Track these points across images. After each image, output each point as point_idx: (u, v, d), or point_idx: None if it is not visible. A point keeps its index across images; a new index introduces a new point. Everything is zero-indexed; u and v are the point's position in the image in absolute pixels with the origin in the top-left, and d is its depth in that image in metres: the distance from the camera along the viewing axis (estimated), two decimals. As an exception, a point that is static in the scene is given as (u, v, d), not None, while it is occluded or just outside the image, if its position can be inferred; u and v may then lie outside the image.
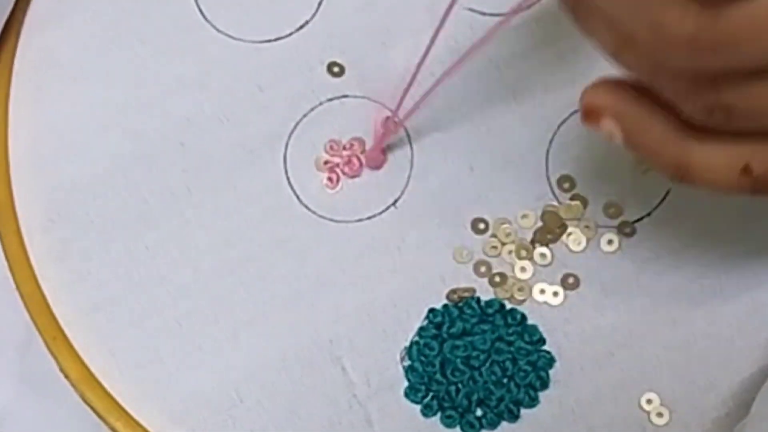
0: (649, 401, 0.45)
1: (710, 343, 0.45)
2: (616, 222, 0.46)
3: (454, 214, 0.47)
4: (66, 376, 0.45)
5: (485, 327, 0.45)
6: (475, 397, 0.45)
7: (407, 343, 0.45)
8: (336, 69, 0.48)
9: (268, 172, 0.48)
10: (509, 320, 0.45)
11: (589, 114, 0.38)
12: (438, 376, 0.45)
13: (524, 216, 0.46)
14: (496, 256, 0.46)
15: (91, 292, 0.46)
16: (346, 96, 0.48)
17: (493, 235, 0.46)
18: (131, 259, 0.47)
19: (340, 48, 0.49)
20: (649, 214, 0.46)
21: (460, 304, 0.46)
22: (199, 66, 0.49)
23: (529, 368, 0.45)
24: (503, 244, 0.46)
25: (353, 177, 0.47)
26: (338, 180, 0.47)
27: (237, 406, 0.45)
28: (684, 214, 0.46)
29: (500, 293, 0.46)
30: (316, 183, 0.47)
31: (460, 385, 0.45)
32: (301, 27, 0.49)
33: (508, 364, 0.45)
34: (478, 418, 0.45)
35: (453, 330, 0.45)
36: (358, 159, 0.48)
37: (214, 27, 0.49)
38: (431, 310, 0.46)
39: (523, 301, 0.46)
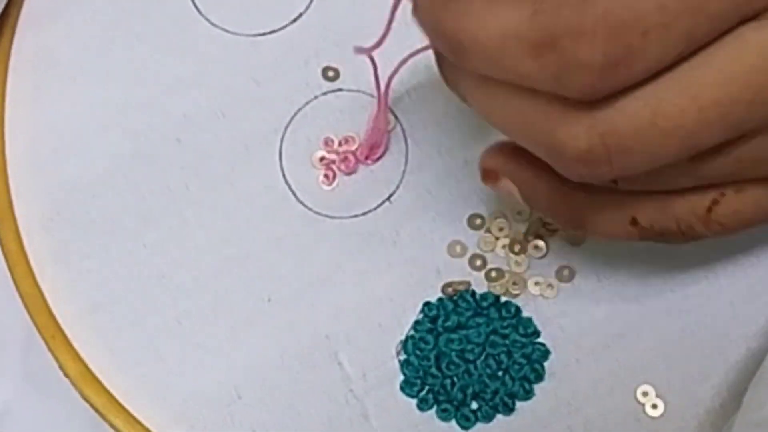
0: (644, 393, 0.45)
1: (705, 334, 0.45)
2: (610, 214, 0.46)
3: (449, 208, 0.47)
4: (66, 375, 0.45)
5: (480, 320, 0.46)
6: (470, 391, 0.45)
7: (403, 337, 0.46)
8: (331, 73, 0.48)
9: (265, 169, 0.48)
10: (504, 313, 0.46)
11: (487, 176, 0.41)
12: (433, 370, 0.45)
13: (519, 209, 0.46)
14: (490, 250, 0.46)
15: (90, 291, 0.47)
16: (340, 90, 0.48)
17: (488, 230, 0.46)
18: (130, 258, 0.47)
19: (334, 40, 0.49)
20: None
21: (455, 298, 0.46)
22: (195, 61, 0.49)
23: (524, 361, 0.45)
24: (497, 238, 0.46)
25: (349, 174, 0.47)
26: (334, 177, 0.48)
27: (236, 402, 0.45)
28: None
29: (495, 287, 0.46)
30: (312, 180, 0.48)
31: (455, 379, 0.45)
32: (296, 19, 0.49)
33: (503, 357, 0.45)
34: (474, 411, 0.45)
35: (448, 323, 0.45)
36: (354, 155, 0.48)
37: (208, 21, 0.49)
38: (426, 304, 0.46)
39: (518, 294, 0.46)
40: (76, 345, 0.46)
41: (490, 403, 0.45)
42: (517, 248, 0.46)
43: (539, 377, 0.45)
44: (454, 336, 0.45)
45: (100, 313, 0.47)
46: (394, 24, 0.41)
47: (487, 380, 0.45)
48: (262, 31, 0.49)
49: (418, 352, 0.45)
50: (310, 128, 0.48)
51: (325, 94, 0.48)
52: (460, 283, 0.46)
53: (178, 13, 0.50)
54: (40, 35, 0.49)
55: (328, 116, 0.48)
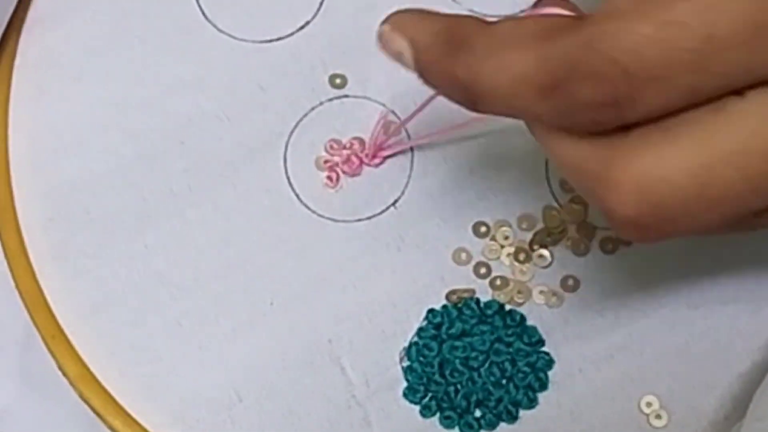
0: (648, 404, 0.45)
1: (709, 345, 0.45)
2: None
3: (453, 215, 0.47)
4: (65, 375, 0.45)
5: (484, 328, 0.45)
6: (473, 398, 0.45)
7: (406, 344, 0.46)
8: (338, 80, 0.48)
9: (269, 172, 0.48)
10: (508, 321, 0.45)
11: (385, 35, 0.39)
12: (437, 377, 0.45)
13: (524, 218, 0.46)
14: (495, 258, 0.46)
15: (90, 291, 0.46)
16: (346, 96, 0.48)
17: (493, 239, 0.46)
18: (131, 258, 0.47)
19: (341, 48, 0.49)
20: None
21: (459, 305, 0.46)
22: (199, 65, 0.49)
23: (528, 369, 0.45)
24: (502, 246, 0.46)
25: (353, 176, 0.47)
26: (338, 179, 0.47)
27: (236, 405, 0.45)
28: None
29: (500, 296, 0.46)
30: (317, 183, 0.47)
31: (458, 386, 0.45)
32: (302, 27, 0.49)
33: (507, 365, 0.45)
34: (477, 419, 0.45)
35: (452, 331, 0.45)
36: (358, 158, 0.48)
37: (215, 26, 0.49)
38: (430, 311, 0.46)
39: (523, 303, 0.46)
40: (75, 345, 0.45)
41: (494, 411, 0.45)
42: (522, 257, 0.46)
43: (543, 386, 0.45)
44: (458, 343, 0.45)
45: (100, 314, 0.46)
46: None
47: (490, 388, 0.45)
48: (268, 38, 0.49)
49: (421, 359, 0.45)
50: (315, 133, 0.48)
51: (330, 100, 0.48)
52: (465, 290, 0.46)
53: (183, 18, 0.50)
54: (46, 36, 0.49)
55: (334, 122, 0.48)
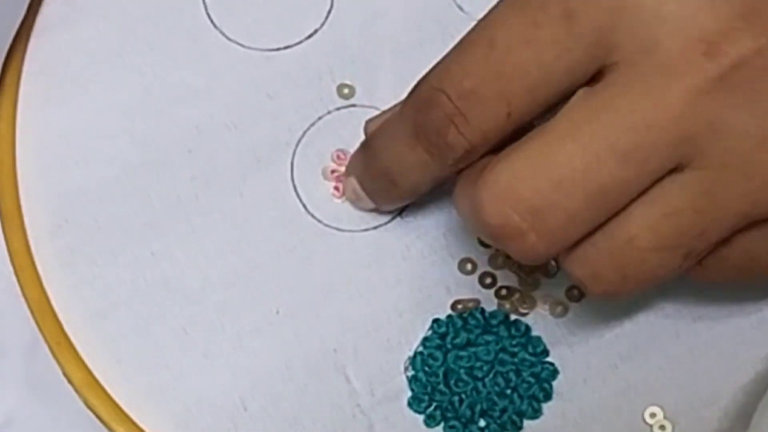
0: (652, 415, 0.45)
1: (714, 356, 0.45)
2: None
3: (460, 225, 0.47)
4: (70, 381, 0.45)
5: (489, 338, 0.45)
6: (478, 408, 0.45)
7: (411, 353, 0.46)
8: (346, 90, 0.49)
9: (276, 181, 0.48)
10: (513, 331, 0.46)
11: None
12: (441, 387, 0.45)
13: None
14: (501, 268, 0.46)
15: (97, 297, 0.46)
16: (354, 105, 0.49)
17: (499, 249, 0.46)
18: (138, 265, 0.47)
19: (349, 57, 0.49)
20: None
21: (465, 315, 0.46)
22: (208, 73, 0.49)
23: (532, 380, 0.45)
24: (508, 256, 0.46)
25: (360, 186, 0.48)
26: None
27: (241, 413, 0.45)
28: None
29: (505, 306, 0.46)
30: (323, 192, 0.47)
31: (463, 396, 0.45)
32: (311, 36, 0.50)
33: (511, 375, 0.45)
34: (481, 429, 0.45)
35: (457, 340, 0.45)
36: (365, 168, 0.48)
37: (223, 34, 0.50)
38: (435, 321, 0.46)
39: (528, 313, 0.46)
40: (81, 352, 0.45)
41: (498, 421, 0.45)
42: (527, 267, 0.46)
43: (547, 396, 0.45)
44: (463, 353, 0.45)
45: (106, 320, 0.46)
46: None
47: (495, 398, 0.45)
48: (276, 46, 0.49)
49: (426, 369, 0.45)
50: (322, 142, 0.48)
51: (338, 109, 0.48)
52: (470, 300, 0.46)
53: (192, 25, 0.50)
54: (54, 43, 0.49)
55: (342, 131, 0.48)
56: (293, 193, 0.47)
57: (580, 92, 0.37)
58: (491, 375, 0.45)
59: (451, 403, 0.45)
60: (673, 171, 0.37)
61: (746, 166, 0.37)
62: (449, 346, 0.45)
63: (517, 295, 0.46)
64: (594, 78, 0.37)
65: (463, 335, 0.45)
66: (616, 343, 0.45)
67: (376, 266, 0.47)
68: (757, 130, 0.36)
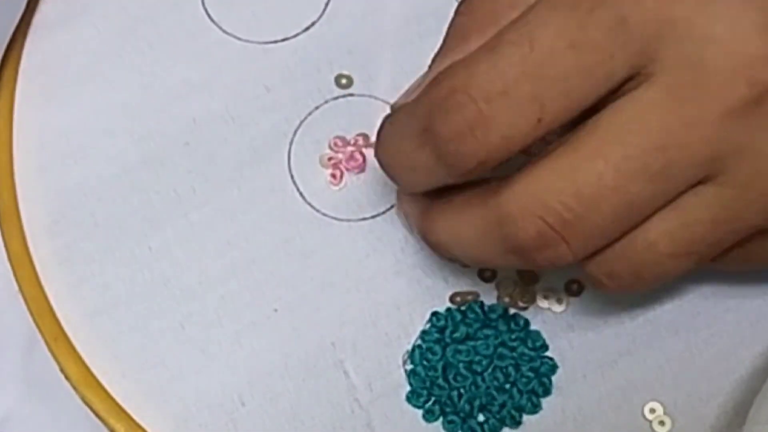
0: (652, 410, 0.44)
1: (712, 353, 0.45)
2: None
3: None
4: (67, 378, 0.45)
5: (488, 332, 0.45)
6: (477, 403, 0.45)
7: (410, 347, 0.45)
8: (344, 81, 0.48)
9: (273, 173, 0.48)
10: (512, 326, 0.45)
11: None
12: (440, 381, 0.45)
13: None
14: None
15: (95, 295, 0.46)
16: (352, 95, 0.48)
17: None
18: (135, 262, 0.47)
19: (347, 49, 0.49)
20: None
21: (464, 308, 0.46)
22: (205, 67, 0.49)
23: (531, 374, 0.45)
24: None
25: (357, 172, 0.47)
26: (342, 176, 0.47)
27: (239, 409, 0.45)
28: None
29: (504, 300, 0.46)
30: (321, 181, 0.47)
31: (462, 390, 0.45)
32: (308, 28, 0.49)
33: (510, 369, 0.45)
34: (480, 424, 0.44)
35: (456, 335, 0.45)
36: (362, 154, 0.48)
37: (220, 28, 0.49)
38: (434, 314, 0.46)
39: (527, 307, 0.46)
40: (78, 348, 0.45)
41: (497, 416, 0.44)
42: (526, 261, 0.46)
43: (547, 391, 0.45)
44: (461, 347, 0.45)
45: (104, 317, 0.46)
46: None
47: (494, 393, 0.45)
48: (273, 39, 0.49)
49: (425, 363, 0.45)
50: (319, 131, 0.48)
51: (335, 98, 0.48)
52: (468, 293, 0.46)
53: (189, 20, 0.50)
54: (51, 40, 0.49)
55: (339, 119, 0.48)
56: (291, 184, 0.47)
57: (609, 107, 0.37)
58: (490, 369, 0.45)
59: (450, 397, 0.45)
60: (695, 184, 0.37)
61: (767, 186, 0.37)
62: (448, 340, 0.45)
63: (516, 289, 0.46)
64: (623, 83, 0.37)
65: (462, 329, 0.45)
66: (616, 338, 0.45)
67: (374, 257, 0.47)
68: None
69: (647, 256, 0.38)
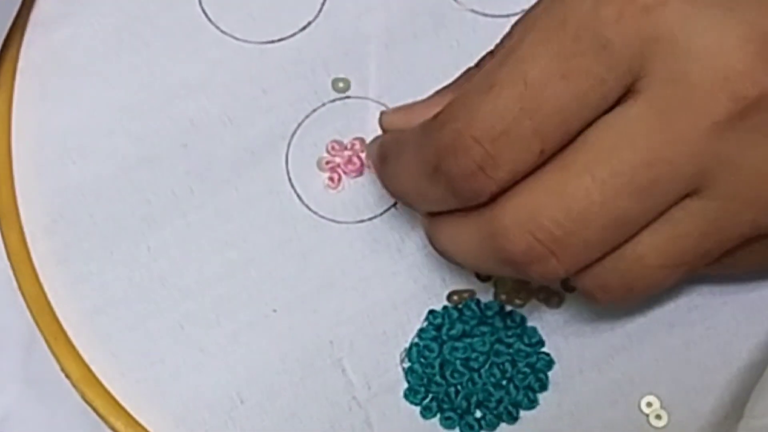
0: (648, 404, 0.45)
1: (708, 346, 0.45)
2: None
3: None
4: (67, 376, 0.45)
5: (485, 329, 0.45)
6: (474, 399, 0.45)
7: (407, 345, 0.46)
8: (341, 84, 0.49)
9: (271, 174, 0.48)
10: (509, 322, 0.46)
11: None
12: (437, 378, 0.45)
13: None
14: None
15: (93, 293, 0.47)
16: (348, 97, 0.49)
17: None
18: (134, 260, 0.47)
19: (343, 49, 0.49)
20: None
21: (460, 306, 0.46)
22: (202, 67, 0.49)
23: (528, 370, 0.45)
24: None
25: (355, 176, 0.48)
26: (340, 180, 0.48)
27: (237, 407, 0.45)
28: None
29: (500, 297, 0.46)
30: (318, 184, 0.48)
31: (459, 387, 0.45)
32: (304, 28, 0.50)
33: (507, 366, 0.45)
34: (477, 420, 0.45)
35: (453, 332, 0.45)
36: (359, 158, 0.48)
37: (217, 28, 0.50)
38: (431, 312, 0.46)
39: (523, 304, 0.46)
40: (78, 347, 0.46)
41: (494, 412, 0.45)
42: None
43: (543, 387, 0.45)
44: (458, 344, 0.45)
45: (103, 316, 0.46)
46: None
47: (491, 389, 0.45)
48: (270, 39, 0.49)
49: (422, 360, 0.45)
50: (317, 134, 0.48)
51: (332, 101, 0.48)
52: (465, 291, 0.46)
53: (186, 19, 0.50)
54: (49, 38, 0.50)
55: (336, 122, 0.48)
56: (288, 186, 0.48)
57: (597, 123, 0.37)
58: (487, 366, 0.45)
59: (447, 394, 0.45)
60: (683, 197, 0.37)
61: (753, 197, 0.37)
62: (445, 337, 0.45)
63: (512, 286, 0.46)
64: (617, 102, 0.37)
65: (459, 326, 0.45)
66: (612, 333, 0.45)
67: (372, 258, 0.47)
68: None
69: (637, 270, 0.38)
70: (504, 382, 0.45)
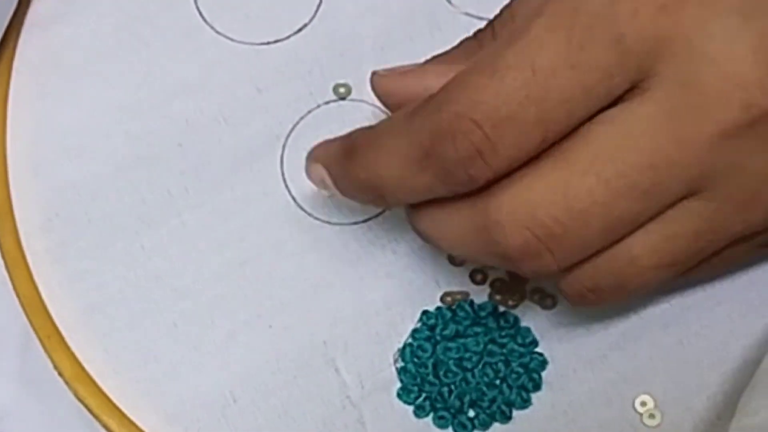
0: (642, 403, 0.45)
1: (702, 345, 0.45)
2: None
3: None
4: (60, 375, 0.45)
5: (478, 329, 0.45)
6: (467, 398, 0.45)
7: (400, 345, 0.46)
8: (342, 90, 0.49)
9: (266, 174, 0.48)
10: (502, 323, 0.46)
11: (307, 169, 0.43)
12: (431, 378, 0.45)
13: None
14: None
15: (87, 292, 0.47)
16: (344, 99, 0.49)
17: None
18: (128, 259, 0.47)
19: (338, 51, 0.49)
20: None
21: (454, 307, 0.46)
22: (198, 68, 0.49)
23: (521, 370, 0.45)
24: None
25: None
26: (335, 182, 0.48)
27: (231, 406, 0.45)
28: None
29: (494, 297, 0.46)
30: (313, 186, 0.47)
31: (452, 387, 0.45)
32: (300, 29, 0.50)
33: (500, 365, 0.45)
34: (471, 419, 0.45)
35: (446, 332, 0.45)
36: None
37: (213, 29, 0.50)
38: (424, 312, 0.46)
39: (517, 304, 0.46)
40: (72, 345, 0.46)
41: (488, 411, 0.45)
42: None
43: (537, 386, 0.45)
44: (452, 344, 0.45)
45: (97, 314, 0.46)
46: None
47: (484, 388, 0.45)
48: (266, 40, 0.50)
49: (415, 360, 0.45)
50: (312, 136, 0.48)
51: (327, 103, 0.49)
52: (459, 293, 0.46)
53: (182, 20, 0.50)
54: (45, 38, 0.50)
55: (331, 125, 0.48)
56: (283, 187, 0.48)
57: (602, 117, 0.37)
58: (480, 366, 0.45)
59: (441, 393, 0.45)
60: (681, 198, 0.37)
61: (749, 200, 0.37)
62: (438, 337, 0.45)
63: (506, 288, 0.46)
64: (622, 95, 0.37)
65: (452, 327, 0.45)
66: (605, 333, 0.45)
67: (366, 259, 0.47)
68: None
69: (630, 269, 0.38)
70: (497, 382, 0.45)
